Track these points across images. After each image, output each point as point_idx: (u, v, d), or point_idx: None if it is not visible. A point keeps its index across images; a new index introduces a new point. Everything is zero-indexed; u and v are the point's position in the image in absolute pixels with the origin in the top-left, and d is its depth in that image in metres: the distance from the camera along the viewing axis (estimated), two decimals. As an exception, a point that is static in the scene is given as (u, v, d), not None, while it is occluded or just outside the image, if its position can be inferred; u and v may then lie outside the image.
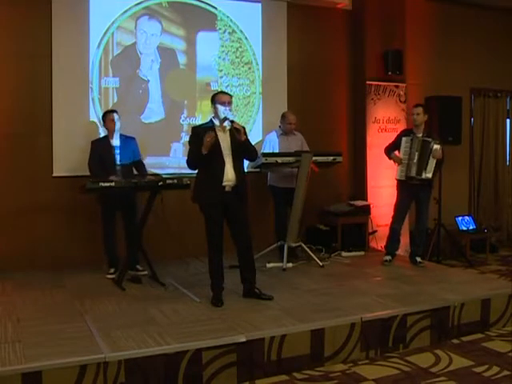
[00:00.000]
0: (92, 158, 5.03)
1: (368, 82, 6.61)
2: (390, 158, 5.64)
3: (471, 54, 7.48)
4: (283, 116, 5.88)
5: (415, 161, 5.40)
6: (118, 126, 5.05)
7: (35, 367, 2.92)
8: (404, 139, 5.51)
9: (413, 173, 5.40)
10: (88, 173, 5.01)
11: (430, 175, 5.40)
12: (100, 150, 5.02)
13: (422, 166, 5.38)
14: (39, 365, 2.94)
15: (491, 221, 7.73)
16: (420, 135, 5.45)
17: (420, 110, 5.49)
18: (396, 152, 5.59)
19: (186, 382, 3.27)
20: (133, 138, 5.21)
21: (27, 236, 5.33)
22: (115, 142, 5.05)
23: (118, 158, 5.01)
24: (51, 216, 5.41)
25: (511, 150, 8.08)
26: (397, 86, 6.75)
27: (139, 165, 5.19)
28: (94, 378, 3.04)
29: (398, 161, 5.49)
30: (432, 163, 5.37)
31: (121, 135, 5.10)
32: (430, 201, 5.65)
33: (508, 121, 8.01)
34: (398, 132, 5.87)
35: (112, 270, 5.08)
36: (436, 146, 5.36)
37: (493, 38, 7.64)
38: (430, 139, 5.41)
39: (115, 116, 5.04)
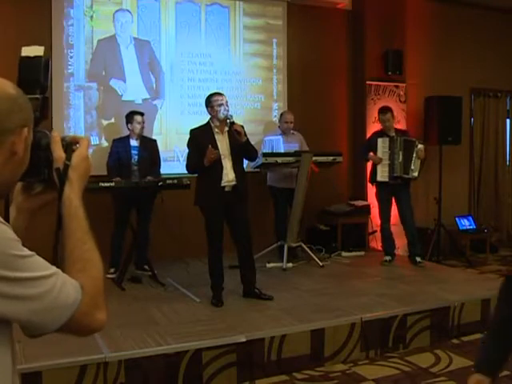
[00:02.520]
0: (111, 156, 5.04)
1: (368, 82, 6.61)
2: (367, 160, 5.68)
3: (471, 54, 7.48)
4: (281, 115, 5.91)
5: (400, 160, 5.42)
6: (143, 128, 5.06)
7: (35, 367, 2.92)
8: (381, 140, 5.50)
9: (399, 172, 5.42)
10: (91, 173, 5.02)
11: (416, 174, 5.44)
12: (119, 149, 5.03)
13: (408, 165, 5.42)
14: (39, 365, 2.94)
15: (491, 221, 7.73)
16: (394, 135, 5.48)
17: (389, 115, 5.53)
18: (371, 154, 5.61)
19: (186, 382, 3.27)
20: (154, 141, 5.23)
21: (27, 236, 5.31)
22: (135, 142, 5.06)
23: (136, 158, 5.02)
24: (51, 216, 5.39)
25: (511, 150, 8.08)
26: (397, 86, 6.75)
27: (155, 168, 5.15)
28: (94, 377, 3.04)
29: (378, 160, 5.48)
30: (417, 162, 5.41)
31: (142, 137, 5.11)
32: (411, 199, 5.65)
33: (508, 121, 8.01)
34: (370, 134, 5.87)
35: (112, 270, 5.07)
36: (420, 146, 5.41)
37: (493, 38, 7.63)
38: (413, 139, 5.46)
39: (141, 118, 5.05)
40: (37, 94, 1.04)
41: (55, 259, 1.03)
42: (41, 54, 1.05)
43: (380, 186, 5.57)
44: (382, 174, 5.48)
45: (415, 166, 5.42)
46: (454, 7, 7.31)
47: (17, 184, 1.08)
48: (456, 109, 6.77)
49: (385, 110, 5.61)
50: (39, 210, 1.12)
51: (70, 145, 1.07)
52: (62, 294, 0.96)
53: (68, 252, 1.03)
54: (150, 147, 5.14)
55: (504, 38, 7.74)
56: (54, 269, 0.97)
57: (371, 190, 6.58)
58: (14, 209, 1.10)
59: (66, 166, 1.04)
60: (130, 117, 5.08)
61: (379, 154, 5.50)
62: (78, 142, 1.09)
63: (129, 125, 5.07)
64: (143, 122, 5.07)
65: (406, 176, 5.43)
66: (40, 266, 0.95)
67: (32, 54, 1.05)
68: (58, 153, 1.06)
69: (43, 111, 1.05)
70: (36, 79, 1.04)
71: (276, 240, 5.72)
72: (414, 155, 5.40)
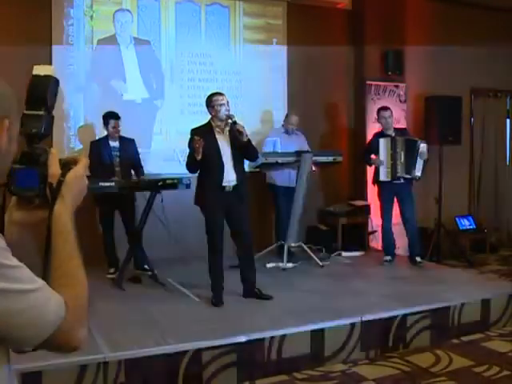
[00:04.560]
0: (91, 159, 5.03)
1: (368, 82, 6.61)
2: (370, 164, 5.69)
3: (471, 54, 7.47)
4: (287, 116, 5.93)
5: (402, 160, 5.43)
6: (118, 130, 5.05)
7: (35, 367, 2.92)
8: (382, 141, 5.51)
9: (401, 172, 5.42)
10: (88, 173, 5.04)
11: (419, 174, 5.44)
12: (99, 150, 5.03)
13: (410, 164, 5.42)
14: (39, 365, 2.94)
15: (491, 221, 7.72)
16: (394, 135, 5.50)
17: (390, 112, 5.55)
18: (372, 156, 5.61)
19: (186, 382, 3.27)
20: (132, 140, 5.22)
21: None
22: (114, 143, 5.06)
23: (117, 159, 5.02)
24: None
25: (511, 149, 8.08)
26: (397, 86, 6.75)
27: (137, 167, 5.17)
28: (94, 378, 3.04)
29: (380, 163, 5.49)
30: (420, 162, 5.41)
31: (120, 137, 5.11)
32: (414, 198, 5.65)
33: (508, 121, 8.01)
34: (371, 136, 5.88)
35: (112, 270, 5.08)
36: (423, 145, 5.41)
37: (493, 38, 7.62)
38: (416, 138, 5.47)
39: (115, 122, 5.04)
40: (41, 111, 1.06)
41: (45, 273, 1.01)
42: (50, 73, 1.09)
43: (382, 185, 5.57)
44: (386, 175, 5.49)
45: (418, 165, 5.42)
46: (454, 7, 7.30)
47: (12, 198, 1.08)
48: (456, 109, 6.77)
49: (385, 108, 5.68)
50: (32, 227, 1.11)
51: (67, 163, 1.08)
52: (45, 309, 0.94)
53: (54, 267, 1.01)
54: (130, 147, 5.15)
55: (504, 38, 7.73)
56: (39, 282, 0.95)
57: (371, 190, 6.57)
58: (7, 220, 1.09)
59: (60, 182, 1.05)
60: (106, 120, 5.07)
61: (381, 154, 5.49)
62: (76, 162, 1.10)
63: (105, 126, 5.10)
64: (118, 127, 5.04)
65: (408, 176, 5.43)
66: (26, 278, 0.93)
67: (42, 73, 1.08)
68: (54, 169, 1.06)
69: (46, 128, 1.07)
70: (42, 97, 1.07)
71: (276, 240, 5.71)
72: (417, 155, 5.39)
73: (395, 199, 5.62)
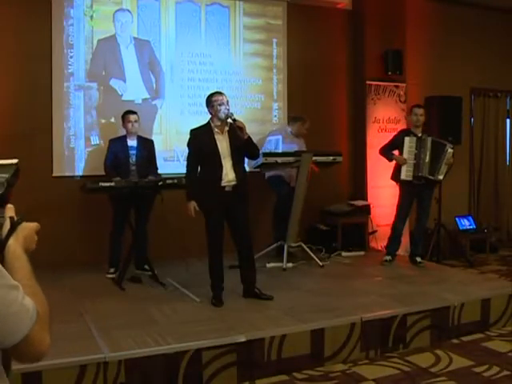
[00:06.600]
0: (108, 157, 5.04)
1: (368, 82, 6.61)
2: (390, 159, 5.58)
3: (471, 54, 7.48)
4: (304, 121, 5.92)
5: (426, 161, 5.36)
6: (135, 127, 5.05)
7: (35, 367, 2.91)
8: (408, 139, 5.44)
9: (424, 173, 5.36)
10: (86, 173, 5.07)
11: (441, 177, 5.39)
12: (116, 148, 5.04)
13: (435, 166, 5.35)
14: (39, 365, 2.94)
15: (491, 221, 7.73)
16: (420, 135, 5.45)
17: (423, 111, 5.50)
18: (395, 152, 5.57)
19: (186, 382, 3.27)
20: (151, 141, 5.23)
21: None
22: (132, 142, 5.07)
23: (134, 157, 5.02)
24: (51, 216, 5.39)
25: (511, 150, 8.08)
26: (397, 86, 6.75)
27: (152, 167, 5.14)
28: (94, 378, 3.04)
29: (402, 161, 5.44)
30: (445, 166, 5.35)
31: (139, 136, 5.12)
32: (432, 200, 5.65)
33: (508, 121, 8.01)
34: (397, 132, 5.85)
35: (112, 270, 5.07)
36: (450, 150, 5.34)
37: (493, 38, 7.63)
38: (444, 142, 5.40)
39: (133, 117, 5.04)
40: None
41: None
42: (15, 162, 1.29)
43: (404, 185, 5.50)
44: (407, 174, 5.41)
45: (442, 169, 5.34)
46: (453, 7, 7.31)
47: None
48: (456, 109, 6.77)
49: (419, 105, 5.64)
50: None
51: (21, 218, 1.21)
52: (24, 306, 0.99)
53: (17, 280, 1.06)
54: (147, 147, 5.15)
55: (504, 37, 7.74)
56: (16, 282, 1.00)
57: (371, 190, 6.59)
58: None
59: (18, 222, 1.16)
60: (123, 117, 5.10)
61: (405, 152, 5.42)
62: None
63: (123, 124, 5.11)
64: (135, 121, 5.05)
65: (430, 177, 5.36)
66: (5, 275, 0.98)
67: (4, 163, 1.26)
68: (10, 212, 1.19)
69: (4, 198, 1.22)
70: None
71: (275, 239, 5.69)
72: (443, 159, 5.32)
73: (415, 202, 5.57)
